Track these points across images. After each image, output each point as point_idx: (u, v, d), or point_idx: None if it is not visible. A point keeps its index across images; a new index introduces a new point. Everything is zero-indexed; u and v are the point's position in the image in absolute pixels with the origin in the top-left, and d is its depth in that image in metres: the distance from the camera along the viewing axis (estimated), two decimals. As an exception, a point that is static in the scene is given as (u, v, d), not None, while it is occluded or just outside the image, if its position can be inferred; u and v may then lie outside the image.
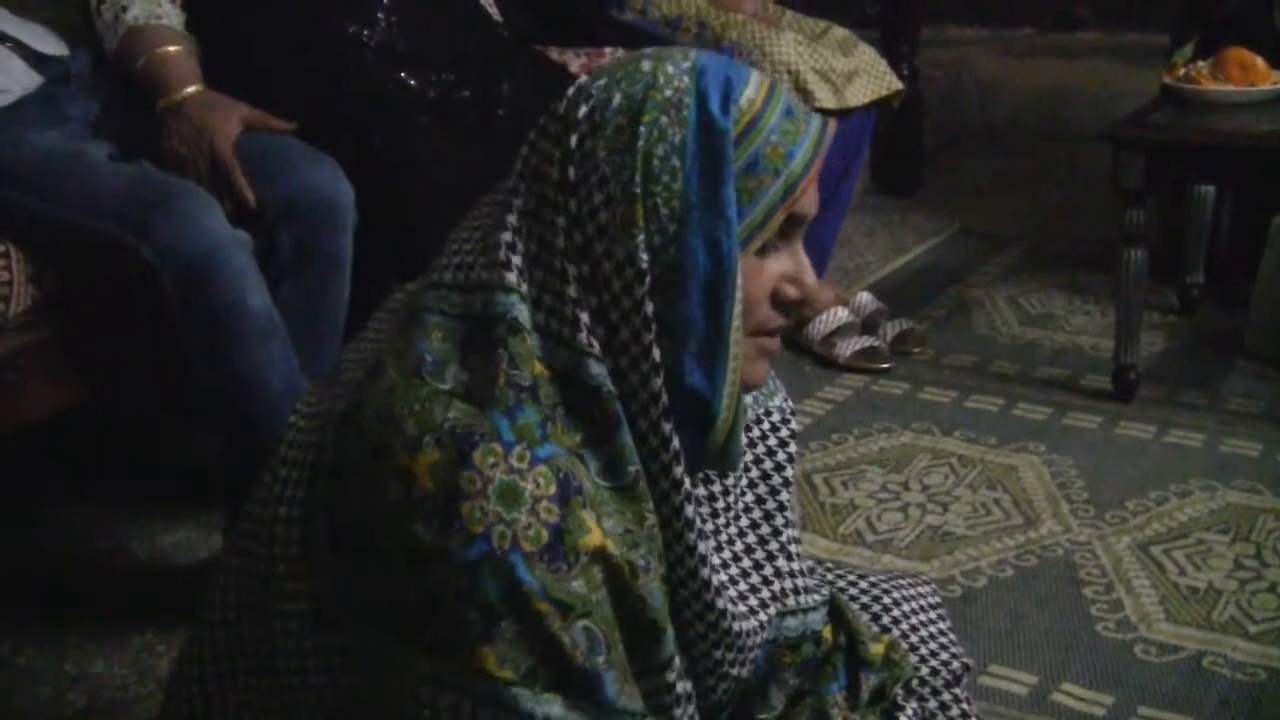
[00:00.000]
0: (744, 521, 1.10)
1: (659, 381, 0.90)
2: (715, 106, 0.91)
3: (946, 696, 1.22)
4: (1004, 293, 3.03)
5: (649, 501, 0.91)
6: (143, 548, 1.98)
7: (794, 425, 1.16)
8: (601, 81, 0.93)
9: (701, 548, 0.95)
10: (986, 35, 5.03)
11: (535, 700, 0.85)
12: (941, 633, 1.31)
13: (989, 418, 2.38)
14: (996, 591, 1.83)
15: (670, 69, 0.92)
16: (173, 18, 1.82)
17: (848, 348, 2.60)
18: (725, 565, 1.07)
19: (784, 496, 1.12)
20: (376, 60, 1.92)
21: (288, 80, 1.90)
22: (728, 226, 0.90)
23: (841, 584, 1.33)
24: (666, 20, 2.58)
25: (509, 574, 0.83)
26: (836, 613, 1.19)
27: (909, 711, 1.18)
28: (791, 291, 0.97)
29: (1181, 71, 2.48)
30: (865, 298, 2.78)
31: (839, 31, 2.71)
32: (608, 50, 2.38)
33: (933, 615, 1.33)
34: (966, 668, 1.27)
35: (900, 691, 1.20)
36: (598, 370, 0.89)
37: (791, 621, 1.10)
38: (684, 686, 0.97)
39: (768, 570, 1.08)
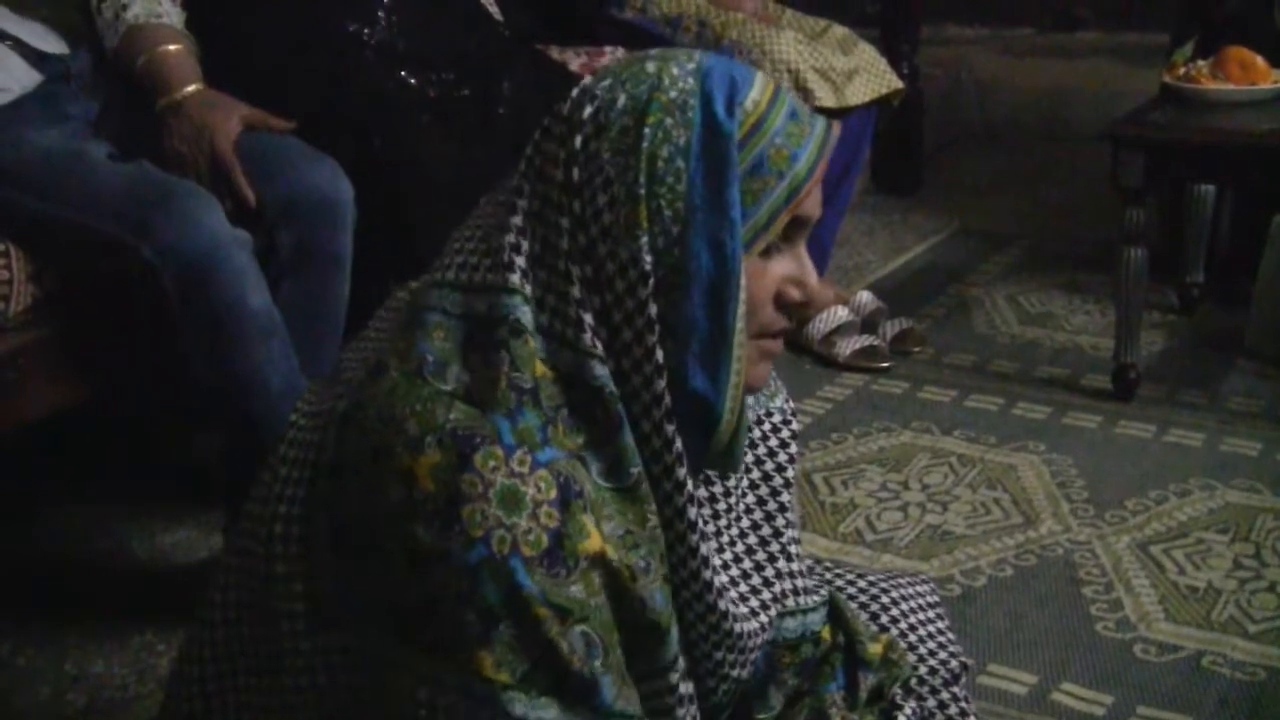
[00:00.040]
0: (745, 522, 1.10)
1: (662, 383, 0.90)
2: (720, 108, 0.91)
3: (945, 695, 1.22)
4: (1004, 292, 3.03)
5: (651, 503, 0.91)
6: (143, 548, 1.98)
7: (795, 426, 1.16)
8: (606, 82, 0.93)
9: (703, 549, 0.95)
10: (986, 34, 5.02)
11: (530, 704, 0.85)
12: (940, 632, 1.31)
13: (989, 417, 2.38)
14: (996, 591, 1.83)
15: (675, 70, 0.92)
16: (173, 16, 1.82)
17: (847, 347, 2.60)
18: (727, 566, 1.07)
19: (785, 497, 1.12)
20: (377, 59, 1.92)
21: (288, 79, 1.90)
22: (732, 228, 0.90)
23: (840, 583, 1.33)
24: (666, 19, 2.58)
25: (508, 578, 0.83)
26: (835, 612, 1.19)
27: (907, 711, 1.18)
28: (794, 293, 0.97)
29: (1181, 71, 2.48)
30: (865, 297, 2.78)
31: (839, 30, 2.71)
32: (608, 49, 2.38)
33: (931, 614, 1.33)
34: (965, 666, 1.27)
35: (899, 691, 1.20)
36: (601, 371, 0.89)
37: (791, 622, 1.10)
38: (686, 688, 0.97)
39: (769, 571, 1.09)
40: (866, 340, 2.61)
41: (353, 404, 0.91)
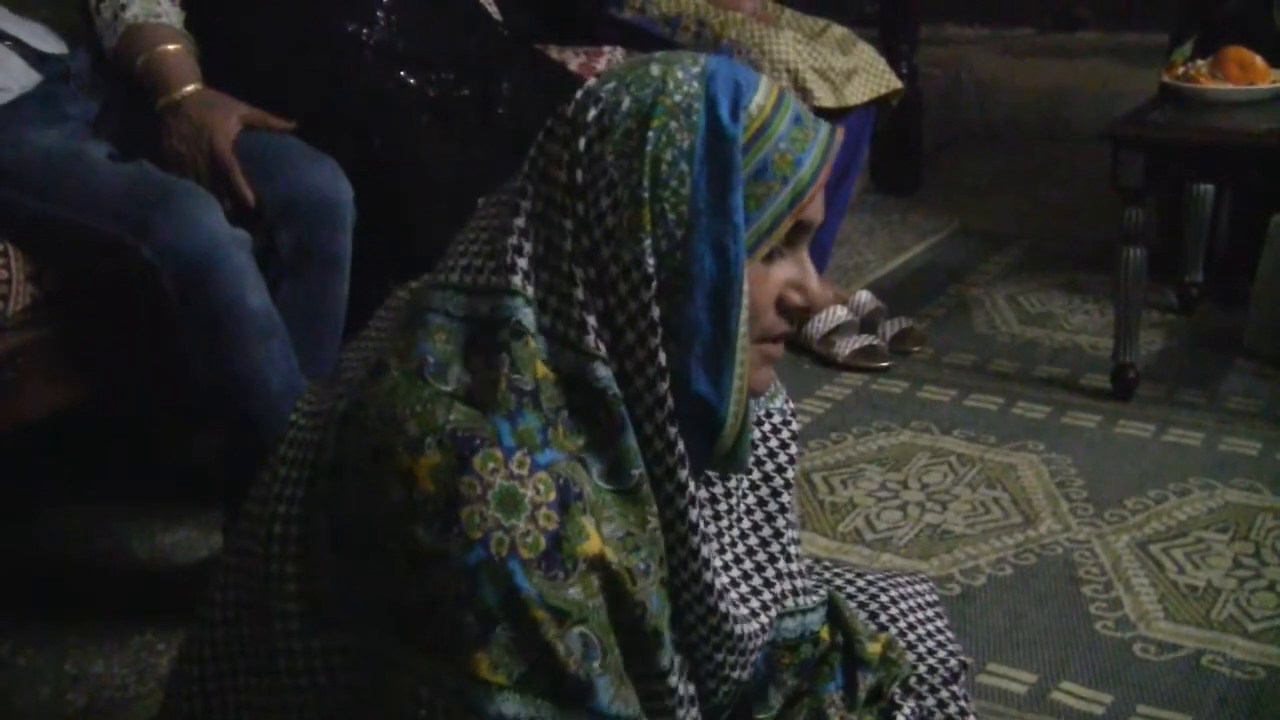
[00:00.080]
0: (746, 523, 1.10)
1: (665, 385, 0.90)
2: (725, 112, 0.91)
3: (944, 694, 1.22)
4: (1003, 292, 3.03)
5: (652, 505, 0.91)
6: (143, 548, 1.98)
7: (795, 426, 1.16)
8: (610, 85, 0.93)
9: (704, 551, 0.95)
10: (986, 34, 5.02)
11: (526, 706, 0.85)
12: (939, 630, 1.31)
13: (988, 416, 2.38)
14: (995, 590, 1.83)
15: (680, 74, 0.92)
16: (172, 16, 1.82)
17: (847, 346, 2.60)
18: (727, 567, 1.07)
19: (785, 497, 1.12)
20: (376, 59, 1.92)
21: (287, 79, 1.90)
22: (735, 233, 0.90)
23: (839, 582, 1.33)
24: (665, 19, 2.58)
25: (506, 580, 0.83)
26: (834, 612, 1.19)
27: (906, 710, 1.18)
28: (796, 298, 0.98)
29: (1180, 70, 2.48)
30: (864, 296, 2.78)
31: (838, 30, 2.71)
32: (606, 49, 2.38)
33: (930, 613, 1.33)
34: (964, 665, 1.27)
35: (898, 690, 1.20)
36: (604, 373, 0.89)
37: (790, 623, 1.10)
38: (686, 689, 0.97)
39: (770, 572, 1.09)
40: (866, 340, 2.61)
41: (353, 404, 0.91)
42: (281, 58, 1.91)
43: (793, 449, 1.14)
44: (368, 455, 0.87)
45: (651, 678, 0.93)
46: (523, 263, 0.91)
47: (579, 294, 0.90)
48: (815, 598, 1.13)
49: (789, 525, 1.12)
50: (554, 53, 2.31)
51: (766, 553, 1.09)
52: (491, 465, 0.84)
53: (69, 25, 1.86)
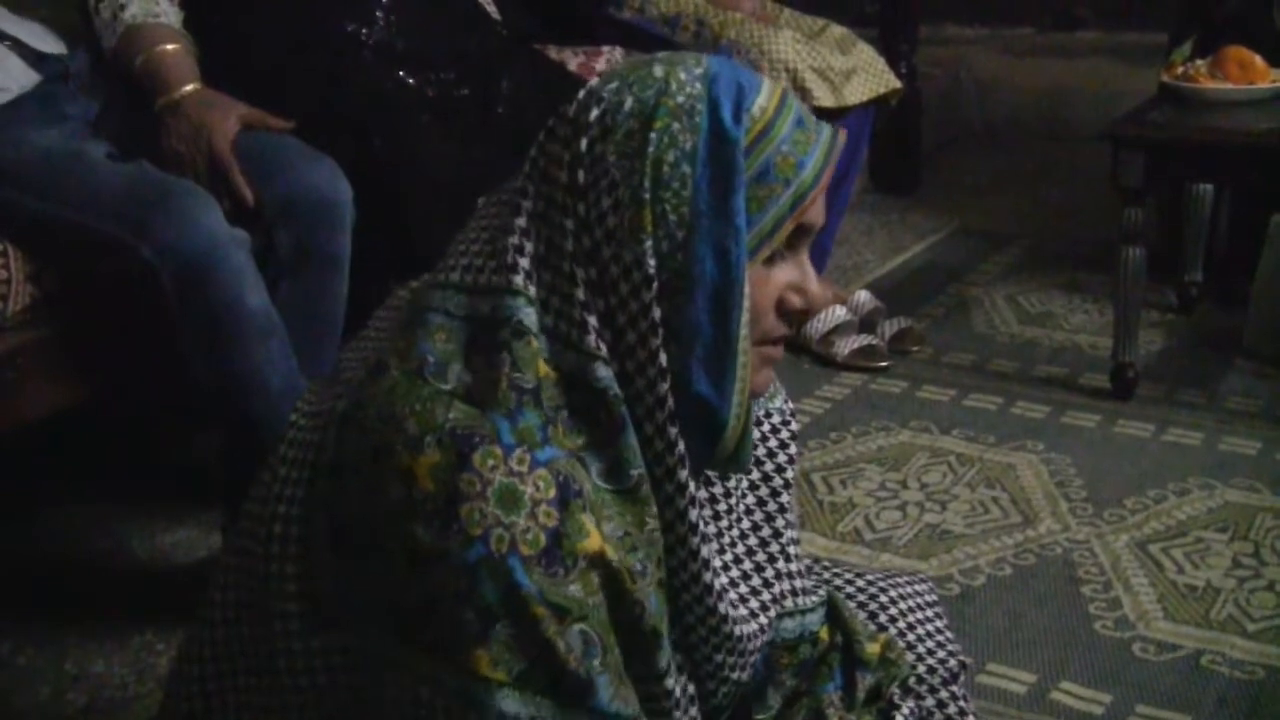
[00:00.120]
0: (746, 523, 1.10)
1: (665, 386, 0.90)
2: (727, 114, 0.91)
3: (943, 694, 1.22)
4: (1003, 291, 3.03)
5: (651, 505, 0.91)
6: (143, 548, 1.98)
7: (794, 426, 1.16)
8: (613, 85, 0.93)
9: (704, 552, 0.95)
10: (985, 34, 5.02)
11: (525, 703, 0.85)
12: (939, 630, 1.31)
13: (987, 416, 2.38)
14: (995, 590, 1.83)
15: (683, 75, 0.92)
16: (171, 16, 1.82)
17: (846, 346, 2.60)
18: (727, 567, 1.07)
19: (785, 498, 1.12)
20: (375, 59, 1.92)
21: (286, 79, 1.90)
22: (736, 235, 0.90)
23: (839, 582, 1.33)
24: (664, 18, 2.58)
25: (506, 577, 0.83)
26: (833, 612, 1.19)
27: (905, 710, 1.18)
28: (797, 301, 0.98)
29: (1180, 70, 2.48)
30: (864, 296, 2.78)
31: (837, 29, 2.71)
32: (605, 49, 2.38)
33: (929, 613, 1.33)
34: (963, 665, 1.27)
35: (897, 690, 1.20)
36: (604, 373, 0.90)
37: (789, 623, 1.10)
38: (685, 690, 0.97)
39: (769, 572, 1.09)
40: (865, 340, 2.61)
41: (353, 404, 0.91)
42: (280, 57, 1.91)
43: (792, 449, 1.14)
44: (367, 455, 0.87)
45: (649, 678, 0.93)
46: (524, 262, 0.91)
47: (580, 294, 0.90)
48: (814, 598, 1.13)
49: (788, 525, 1.12)
50: (553, 52, 2.31)
51: (766, 553, 1.09)
52: (491, 462, 0.84)
53: (68, 25, 1.86)
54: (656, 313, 0.90)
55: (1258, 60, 2.40)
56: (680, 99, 0.91)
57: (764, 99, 0.93)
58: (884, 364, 2.59)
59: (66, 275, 1.68)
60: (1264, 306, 2.59)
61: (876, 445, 2.27)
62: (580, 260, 0.90)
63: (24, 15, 1.83)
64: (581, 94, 0.94)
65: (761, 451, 1.13)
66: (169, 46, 1.77)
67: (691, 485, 0.93)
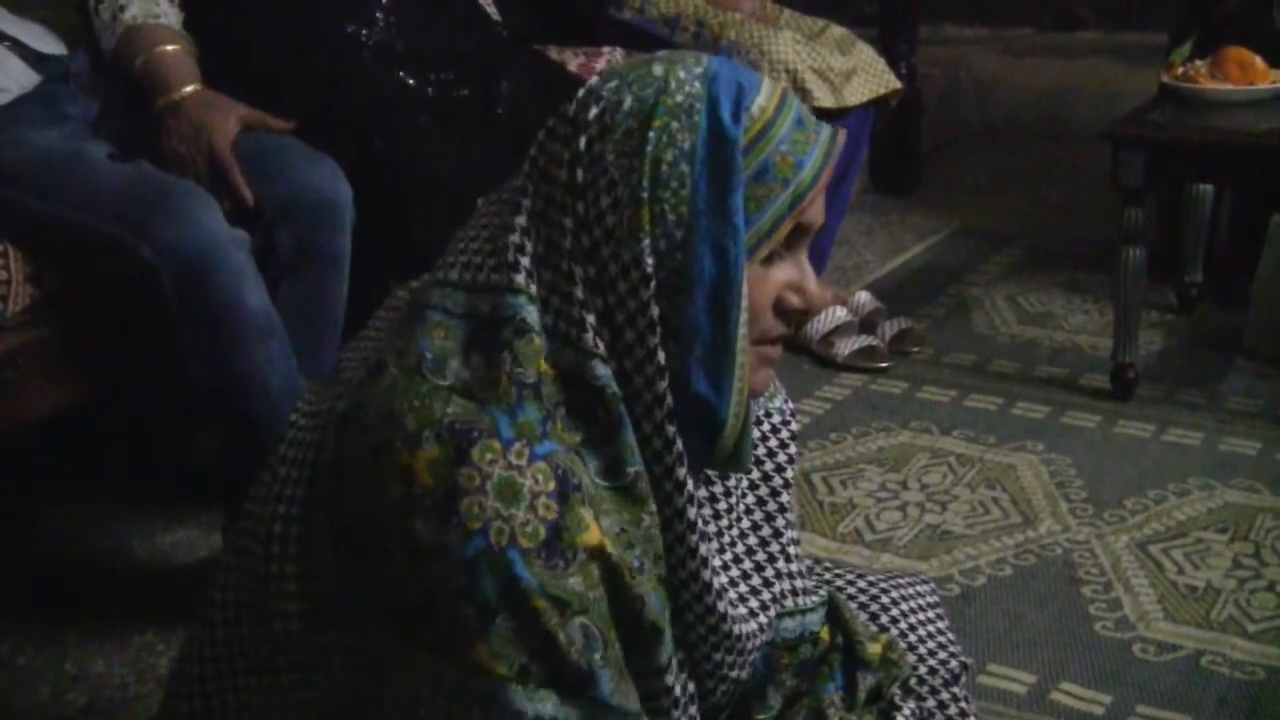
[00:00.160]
0: (745, 523, 1.10)
1: (664, 384, 0.90)
2: (726, 114, 0.91)
3: (945, 695, 1.22)
4: (1003, 292, 3.03)
5: (649, 503, 0.91)
6: (143, 548, 1.98)
7: (794, 426, 1.16)
8: (613, 84, 0.93)
9: (703, 550, 0.95)
10: (985, 34, 5.02)
11: (528, 697, 0.85)
12: (940, 632, 1.31)
13: (988, 417, 2.38)
14: (995, 590, 1.83)
15: (682, 74, 0.92)
16: (171, 17, 1.82)
17: (846, 347, 2.60)
18: (726, 567, 1.07)
19: (785, 497, 1.12)
20: (375, 60, 1.92)
21: (286, 80, 1.90)
22: (735, 234, 0.90)
23: (840, 583, 1.33)
24: (664, 19, 2.58)
25: (506, 570, 0.83)
26: (834, 612, 1.19)
27: (906, 711, 1.18)
28: (795, 300, 0.98)
29: (1180, 70, 2.48)
30: (864, 297, 2.78)
31: (837, 30, 2.71)
32: (606, 49, 2.38)
33: (931, 614, 1.33)
34: (965, 667, 1.27)
35: (898, 691, 1.20)
36: (603, 371, 0.90)
37: (789, 623, 1.10)
38: (685, 687, 0.97)
39: (769, 572, 1.09)
40: (865, 340, 2.61)
41: (352, 403, 0.91)
42: (281, 58, 1.92)
43: (792, 449, 1.14)
44: (368, 453, 0.88)
45: (650, 675, 0.93)
46: (525, 261, 0.91)
47: (578, 292, 0.90)
48: (815, 598, 1.13)
49: (788, 525, 1.12)
50: (553, 53, 2.31)
51: (765, 552, 1.09)
52: (490, 456, 0.84)
53: (68, 26, 1.86)
54: (654, 311, 0.90)
55: (1258, 61, 2.40)
56: (679, 98, 0.91)
57: (763, 99, 0.93)
58: (884, 365, 2.59)
59: (66, 275, 1.68)
60: (1264, 307, 2.59)
61: (877, 446, 2.27)
62: (579, 259, 0.90)
63: (24, 16, 1.83)
64: (581, 92, 0.94)
65: (761, 451, 1.13)
66: (169, 47, 1.77)
67: (690, 483, 0.93)
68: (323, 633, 0.92)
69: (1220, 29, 2.68)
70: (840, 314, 2.65)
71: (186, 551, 1.96)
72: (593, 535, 0.86)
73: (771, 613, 1.07)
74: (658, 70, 0.93)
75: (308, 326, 1.72)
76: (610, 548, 0.87)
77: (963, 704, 1.23)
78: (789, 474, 1.13)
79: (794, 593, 1.10)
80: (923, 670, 1.24)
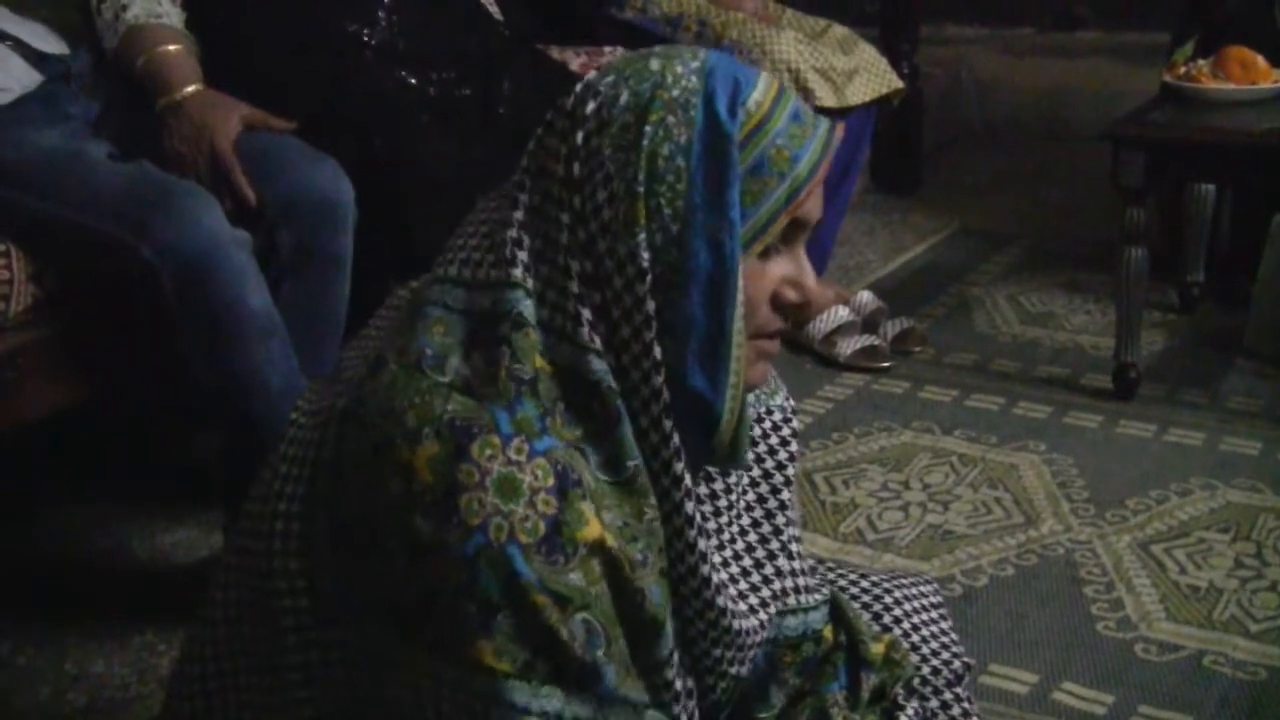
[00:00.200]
0: (745, 520, 1.10)
1: (660, 379, 0.90)
2: (723, 108, 0.91)
3: (948, 696, 1.22)
4: (1004, 291, 3.02)
5: (649, 496, 0.91)
6: (143, 548, 1.98)
7: (795, 424, 1.16)
8: (610, 79, 0.93)
9: (701, 545, 0.95)
10: (986, 34, 5.02)
11: (532, 693, 0.85)
12: (943, 632, 1.30)
13: (989, 416, 2.38)
14: (997, 590, 1.83)
15: (679, 68, 0.92)
16: (173, 17, 1.82)
17: (848, 346, 2.60)
18: (725, 564, 1.07)
19: (785, 496, 1.12)
20: (377, 59, 1.92)
21: (288, 80, 1.90)
22: (731, 228, 0.90)
23: (842, 583, 1.33)
24: (667, 19, 2.58)
25: (506, 566, 0.83)
26: (837, 612, 1.19)
27: (910, 711, 1.18)
28: (792, 295, 0.97)
29: (1182, 70, 2.48)
30: (865, 296, 2.78)
31: (839, 30, 2.71)
32: (607, 49, 2.38)
33: (934, 615, 1.33)
34: (968, 667, 1.27)
35: (901, 691, 1.20)
36: (599, 366, 0.89)
37: (792, 621, 1.10)
38: (684, 683, 0.97)
39: (768, 569, 1.08)
40: (867, 340, 2.61)
41: (352, 401, 0.91)
42: (282, 58, 1.91)
43: (793, 446, 1.14)
44: (368, 451, 0.87)
45: (650, 670, 0.93)
46: (523, 255, 0.91)
47: (574, 287, 0.90)
48: (817, 596, 1.13)
49: (789, 523, 1.11)
50: (555, 53, 2.31)
51: (766, 549, 1.09)
52: (489, 452, 0.84)
53: (70, 25, 1.86)
54: (651, 306, 0.89)
55: (1260, 60, 2.40)
56: (675, 92, 0.91)
57: (760, 93, 0.93)
58: (886, 364, 2.59)
59: (67, 275, 1.68)
60: (1265, 306, 2.59)
61: (879, 446, 2.27)
62: (575, 253, 0.90)
63: (26, 15, 1.83)
64: (579, 87, 0.94)
65: (762, 448, 1.13)
66: (171, 47, 1.77)
67: (688, 478, 0.93)
68: (323, 631, 0.92)
69: (1222, 28, 2.68)
70: (843, 313, 2.64)
71: (187, 551, 1.96)
72: (593, 530, 0.86)
73: (771, 610, 1.07)
74: (654, 65, 0.93)
75: (309, 326, 1.72)
76: (611, 541, 0.87)
77: (965, 704, 1.23)
78: (789, 472, 1.13)
79: (796, 590, 1.10)
80: (926, 670, 1.24)
